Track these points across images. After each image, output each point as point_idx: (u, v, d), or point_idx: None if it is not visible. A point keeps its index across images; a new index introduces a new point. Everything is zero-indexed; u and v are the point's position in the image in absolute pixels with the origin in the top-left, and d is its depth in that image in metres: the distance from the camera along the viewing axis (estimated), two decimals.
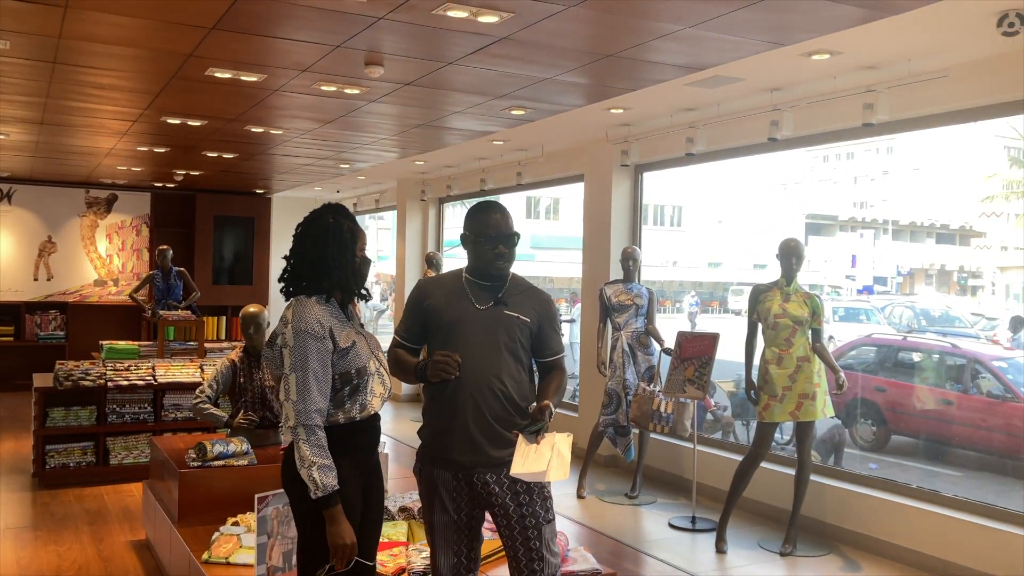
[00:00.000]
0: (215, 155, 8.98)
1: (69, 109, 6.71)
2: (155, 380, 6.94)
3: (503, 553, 3.20)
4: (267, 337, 4.47)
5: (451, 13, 4.02)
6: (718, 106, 6.31)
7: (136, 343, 8.12)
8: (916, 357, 8.96)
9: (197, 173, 10.72)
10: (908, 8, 3.91)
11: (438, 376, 2.79)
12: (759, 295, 5.47)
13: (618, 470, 7.41)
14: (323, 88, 5.72)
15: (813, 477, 5.61)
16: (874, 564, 5.28)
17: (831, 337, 11.71)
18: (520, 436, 2.75)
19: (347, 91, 5.80)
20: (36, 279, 12.08)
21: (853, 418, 8.20)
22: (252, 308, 5.20)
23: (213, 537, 4.04)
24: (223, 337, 12.24)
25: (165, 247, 9.61)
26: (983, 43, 4.60)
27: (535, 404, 2.81)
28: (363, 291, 2.88)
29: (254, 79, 5.51)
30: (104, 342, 8.00)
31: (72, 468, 6.73)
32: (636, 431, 6.64)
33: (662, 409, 6.22)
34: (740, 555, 5.43)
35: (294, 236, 2.83)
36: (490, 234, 2.91)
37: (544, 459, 2.71)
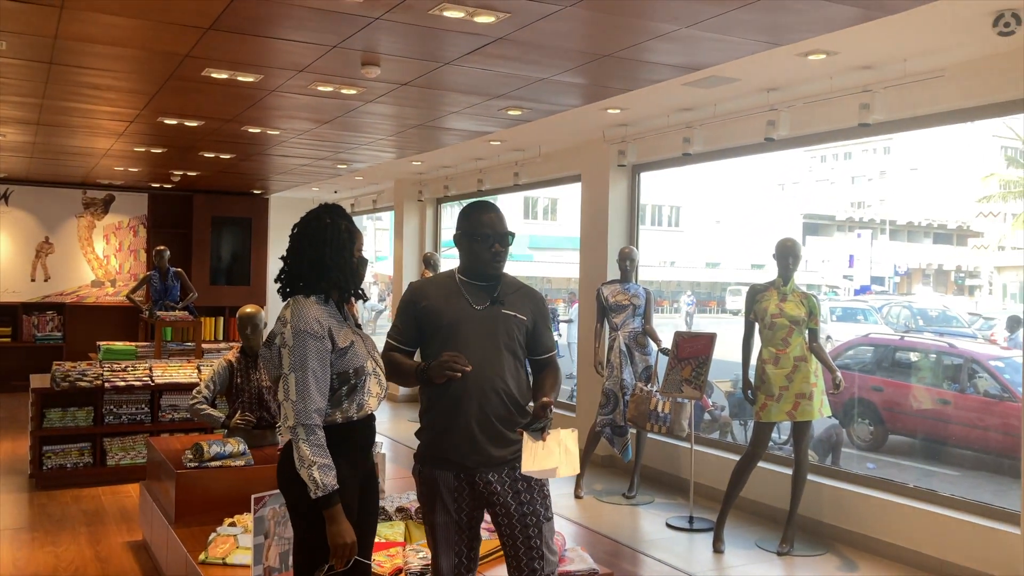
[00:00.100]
0: (212, 156, 8.98)
1: (66, 110, 6.70)
2: (152, 381, 6.93)
3: (500, 553, 3.20)
4: (264, 338, 4.48)
5: (447, 13, 4.02)
6: (715, 106, 6.32)
7: (133, 344, 8.12)
8: (913, 357, 8.97)
9: (194, 174, 10.72)
10: (904, 8, 3.92)
11: (444, 376, 2.76)
12: (756, 295, 5.48)
13: (615, 470, 7.41)
14: (320, 88, 5.72)
15: (810, 477, 5.61)
16: (871, 563, 5.29)
17: (828, 337, 11.73)
18: (525, 434, 2.77)
19: (344, 91, 5.80)
20: (33, 280, 12.07)
21: (850, 418, 8.21)
22: (249, 309, 5.19)
23: (210, 538, 4.04)
24: (220, 338, 12.23)
25: (162, 248, 9.61)
26: (979, 43, 4.61)
27: (536, 402, 2.84)
28: (360, 291, 2.88)
29: (251, 79, 5.51)
30: (101, 343, 8.00)
31: (69, 469, 6.72)
32: (633, 431, 6.65)
33: (659, 409, 6.22)
34: (737, 555, 5.43)
35: (291, 236, 2.83)
36: (486, 233, 2.91)
37: (553, 456, 2.75)
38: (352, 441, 2.77)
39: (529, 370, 3.03)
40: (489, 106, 6.25)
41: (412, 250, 11.67)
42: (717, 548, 5.48)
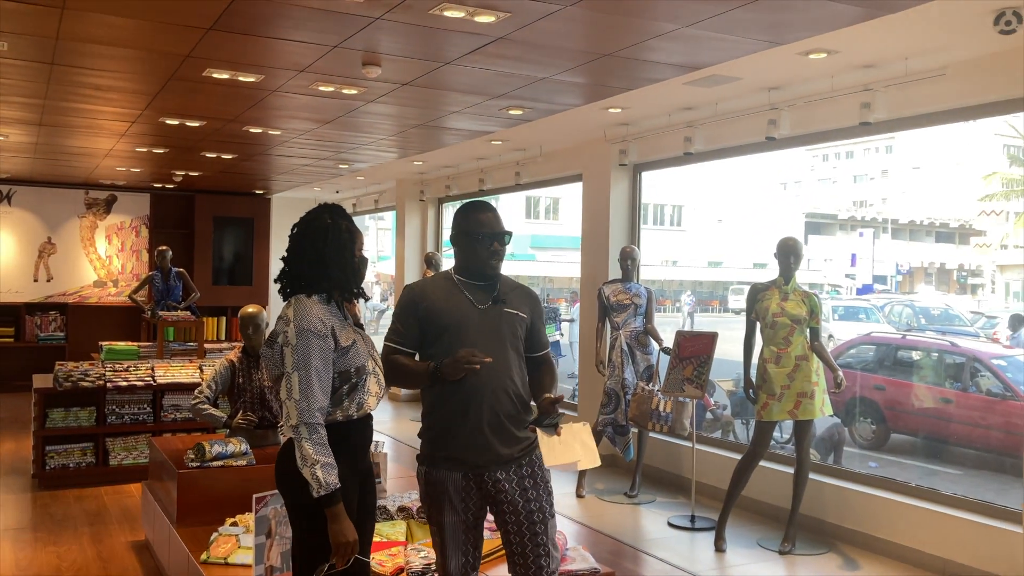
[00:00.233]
0: (214, 156, 8.99)
1: (67, 110, 6.71)
2: (154, 381, 6.94)
3: (502, 552, 3.20)
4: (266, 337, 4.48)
5: (448, 13, 4.02)
6: (716, 105, 6.31)
7: (136, 344, 8.12)
8: (915, 355, 8.96)
9: (196, 174, 10.73)
10: (905, 6, 3.91)
11: (462, 372, 2.74)
12: (757, 294, 5.48)
13: (617, 469, 7.41)
14: (321, 88, 5.73)
15: (812, 475, 5.61)
16: (873, 562, 5.28)
17: (830, 336, 11.73)
18: (539, 431, 2.78)
19: (345, 91, 5.81)
20: (36, 280, 12.09)
21: (852, 416, 8.21)
22: (251, 308, 5.20)
23: (212, 537, 4.05)
24: (223, 338, 12.24)
25: (164, 248, 9.61)
26: (980, 41, 4.60)
27: (544, 398, 2.87)
28: (360, 290, 2.88)
29: (252, 80, 5.51)
30: (104, 343, 8.01)
31: (72, 469, 6.73)
32: (635, 430, 6.65)
33: (661, 408, 6.22)
34: (739, 554, 5.43)
35: (291, 236, 2.83)
36: (485, 232, 2.91)
37: (572, 449, 2.79)
38: (351, 440, 2.77)
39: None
40: (490, 106, 6.25)
41: (414, 250, 11.69)
42: (719, 547, 5.48)
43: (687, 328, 12.89)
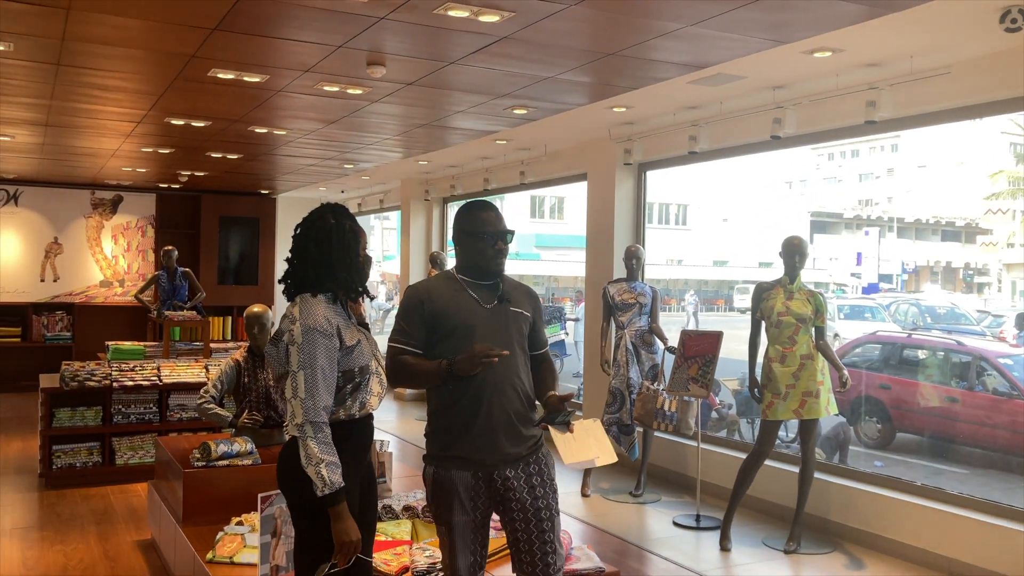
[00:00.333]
0: (220, 156, 9.01)
1: (73, 111, 6.73)
2: (160, 380, 6.96)
3: (505, 552, 3.20)
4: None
5: (452, 13, 4.03)
6: (720, 104, 6.31)
7: (142, 344, 8.15)
8: (921, 354, 8.94)
9: (202, 174, 10.75)
10: (910, 5, 3.90)
11: (478, 367, 2.73)
12: (762, 293, 5.47)
13: (622, 469, 7.40)
14: (326, 88, 5.74)
15: (817, 475, 5.60)
16: (879, 562, 5.27)
17: (836, 335, 11.70)
18: (552, 430, 2.80)
19: (350, 91, 5.82)
20: (43, 280, 12.13)
21: (858, 416, 8.19)
22: (256, 308, 5.21)
23: (217, 537, 4.05)
24: (228, 337, 12.27)
25: (170, 248, 9.64)
26: (985, 39, 4.59)
27: (550, 396, 2.90)
28: (365, 289, 2.89)
29: (257, 80, 5.52)
30: (110, 343, 8.03)
31: (78, 468, 6.75)
32: (640, 429, 6.65)
33: (666, 407, 6.22)
34: (744, 553, 5.43)
35: (294, 237, 2.83)
36: (489, 231, 2.91)
37: (588, 446, 2.84)
38: (353, 439, 2.77)
39: None
40: (494, 105, 6.25)
41: (419, 249, 11.71)
42: (724, 546, 5.48)
43: (691, 327, 12.89)
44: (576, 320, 14.35)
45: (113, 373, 6.88)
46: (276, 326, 2.81)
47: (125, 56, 5.09)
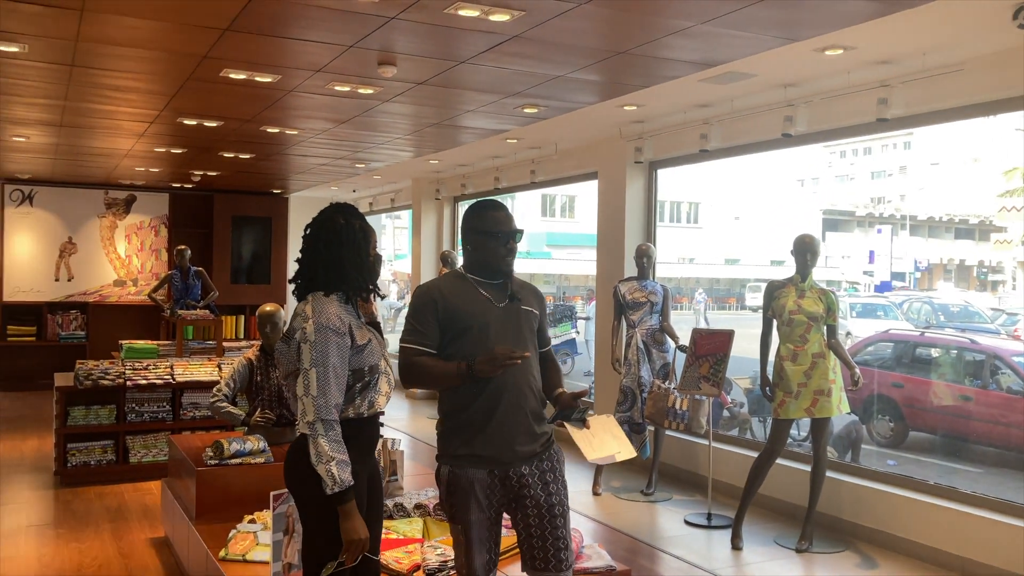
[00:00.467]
0: (232, 156, 9.05)
1: (87, 111, 6.78)
2: (173, 379, 7.00)
3: (514, 551, 3.21)
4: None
5: (462, 12, 4.04)
6: (732, 102, 6.29)
7: (155, 343, 8.20)
8: (934, 353, 8.89)
9: (214, 174, 10.80)
10: (921, 2, 3.88)
11: (498, 370, 2.73)
12: (774, 291, 5.46)
13: (634, 467, 7.40)
14: (337, 88, 5.76)
15: (829, 473, 5.59)
16: (891, 561, 5.26)
17: (848, 333, 11.65)
18: (568, 426, 2.83)
19: (361, 91, 5.83)
20: (57, 280, 12.22)
21: (870, 414, 8.16)
22: (268, 307, 5.23)
23: (230, 535, 4.07)
24: (241, 336, 12.32)
25: (183, 247, 9.69)
26: (998, 36, 4.56)
27: (561, 392, 2.94)
28: (376, 288, 2.89)
29: (268, 80, 5.55)
30: (124, 342, 8.09)
31: (93, 466, 6.80)
32: (651, 428, 6.64)
33: (677, 406, 6.21)
34: (756, 552, 5.42)
35: (304, 237, 2.84)
36: (500, 231, 2.91)
37: (606, 442, 2.87)
38: (361, 438, 2.78)
39: None
40: (505, 104, 6.26)
41: (430, 248, 11.73)
42: (735, 545, 5.47)
43: (702, 325, 12.86)
44: (587, 319, 14.36)
45: (127, 372, 6.93)
46: (288, 325, 2.82)
47: (138, 57, 5.12)
